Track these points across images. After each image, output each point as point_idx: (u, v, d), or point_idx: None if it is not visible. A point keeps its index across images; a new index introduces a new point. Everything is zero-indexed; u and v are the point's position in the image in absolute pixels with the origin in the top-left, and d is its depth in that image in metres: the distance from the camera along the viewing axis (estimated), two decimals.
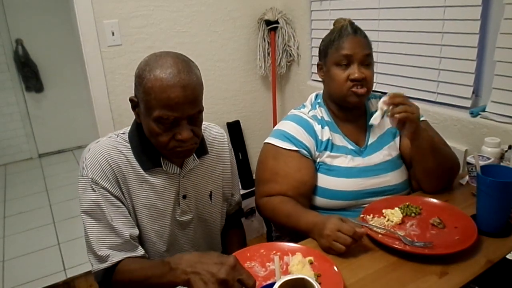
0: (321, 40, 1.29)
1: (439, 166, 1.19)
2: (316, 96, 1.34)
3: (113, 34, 1.99)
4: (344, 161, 1.22)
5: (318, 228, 1.01)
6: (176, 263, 0.79)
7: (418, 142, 1.16)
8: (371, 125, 1.28)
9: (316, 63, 1.31)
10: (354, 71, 1.18)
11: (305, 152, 1.21)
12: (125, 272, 0.93)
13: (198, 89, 0.93)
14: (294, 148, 1.21)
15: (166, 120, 0.91)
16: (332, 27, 1.27)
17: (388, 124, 1.27)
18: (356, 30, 1.22)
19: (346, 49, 1.18)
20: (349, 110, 1.27)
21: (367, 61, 1.20)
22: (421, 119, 1.31)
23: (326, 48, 1.24)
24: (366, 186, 1.21)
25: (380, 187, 1.22)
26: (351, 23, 1.23)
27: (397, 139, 1.31)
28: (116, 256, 0.94)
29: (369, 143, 1.28)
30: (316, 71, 1.32)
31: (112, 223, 0.96)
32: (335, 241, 0.95)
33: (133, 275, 0.91)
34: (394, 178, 1.24)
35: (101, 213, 0.96)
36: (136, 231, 1.00)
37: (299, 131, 1.23)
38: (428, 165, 1.19)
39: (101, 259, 0.94)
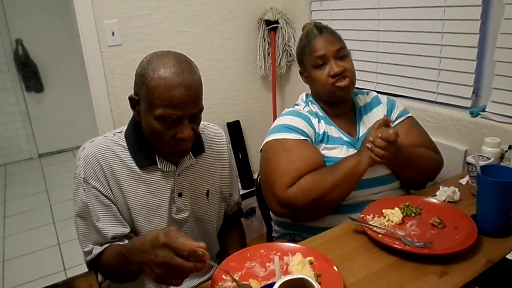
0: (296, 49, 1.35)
1: (417, 176, 1.29)
2: (307, 95, 1.38)
3: (113, 34, 1.99)
4: (340, 151, 1.24)
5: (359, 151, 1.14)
6: (129, 254, 0.86)
7: (396, 157, 1.17)
8: (361, 118, 1.34)
9: (299, 71, 1.36)
10: (332, 67, 1.22)
11: (310, 141, 1.22)
12: (105, 260, 1.01)
13: (199, 89, 0.97)
14: (302, 137, 1.21)
15: (168, 119, 0.94)
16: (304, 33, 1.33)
17: (377, 116, 1.33)
18: (321, 30, 1.27)
19: (318, 50, 1.24)
20: (338, 105, 1.32)
21: (340, 54, 1.25)
22: (408, 115, 1.36)
23: (302, 55, 1.30)
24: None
25: (375, 176, 1.23)
26: (316, 25, 1.30)
27: None
28: (98, 249, 1.01)
29: (360, 134, 1.31)
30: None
31: (96, 223, 1.00)
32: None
33: (110, 262, 0.99)
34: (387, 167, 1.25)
35: (88, 213, 1.01)
36: (125, 229, 1.03)
37: (300, 122, 1.25)
38: (405, 174, 1.27)
39: (87, 253, 1.03)
